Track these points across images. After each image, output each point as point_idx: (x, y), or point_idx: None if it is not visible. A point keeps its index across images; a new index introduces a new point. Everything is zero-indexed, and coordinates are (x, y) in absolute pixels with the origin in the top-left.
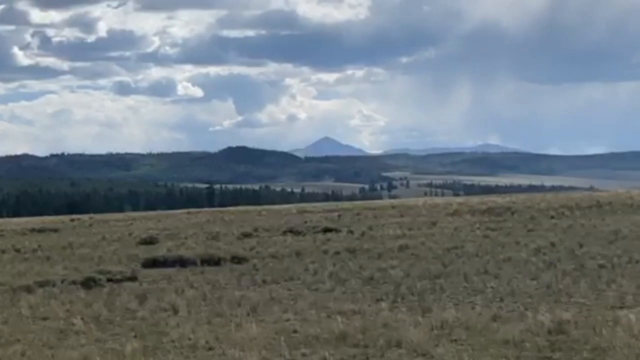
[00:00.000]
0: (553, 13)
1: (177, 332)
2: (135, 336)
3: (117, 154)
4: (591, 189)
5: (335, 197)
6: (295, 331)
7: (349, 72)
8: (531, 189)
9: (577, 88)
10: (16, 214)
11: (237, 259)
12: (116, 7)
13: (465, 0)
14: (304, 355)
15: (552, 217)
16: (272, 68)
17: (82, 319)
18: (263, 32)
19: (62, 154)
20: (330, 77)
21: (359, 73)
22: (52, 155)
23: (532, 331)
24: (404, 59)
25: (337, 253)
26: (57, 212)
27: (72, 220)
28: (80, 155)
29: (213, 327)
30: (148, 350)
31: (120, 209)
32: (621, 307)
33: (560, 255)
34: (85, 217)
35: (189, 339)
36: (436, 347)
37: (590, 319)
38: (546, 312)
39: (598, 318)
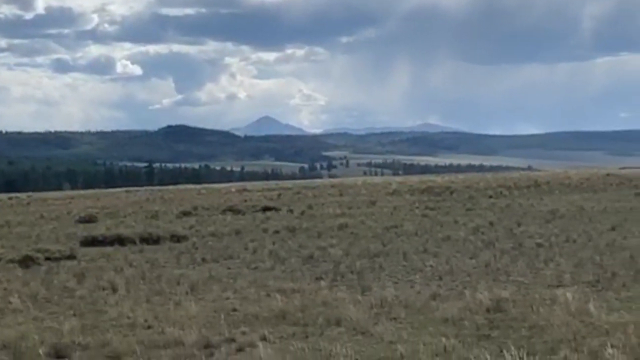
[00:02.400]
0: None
1: (116, 310)
2: (73, 314)
3: (56, 132)
4: (529, 168)
5: (275, 176)
6: (234, 309)
7: (289, 51)
8: (470, 168)
9: (516, 69)
10: None
11: (177, 238)
12: None
13: None
14: (243, 333)
15: (491, 197)
16: (212, 47)
17: (19, 297)
18: (203, 10)
19: (0, 132)
20: (270, 56)
21: (299, 52)
22: None
23: (470, 309)
24: (345, 39)
25: (277, 232)
26: None
27: (10, 198)
28: (18, 133)
29: (152, 305)
30: (86, 329)
31: (59, 188)
32: (558, 286)
33: (499, 235)
34: (23, 195)
35: (128, 317)
36: (375, 326)
37: (528, 298)
38: (485, 291)
39: (536, 296)
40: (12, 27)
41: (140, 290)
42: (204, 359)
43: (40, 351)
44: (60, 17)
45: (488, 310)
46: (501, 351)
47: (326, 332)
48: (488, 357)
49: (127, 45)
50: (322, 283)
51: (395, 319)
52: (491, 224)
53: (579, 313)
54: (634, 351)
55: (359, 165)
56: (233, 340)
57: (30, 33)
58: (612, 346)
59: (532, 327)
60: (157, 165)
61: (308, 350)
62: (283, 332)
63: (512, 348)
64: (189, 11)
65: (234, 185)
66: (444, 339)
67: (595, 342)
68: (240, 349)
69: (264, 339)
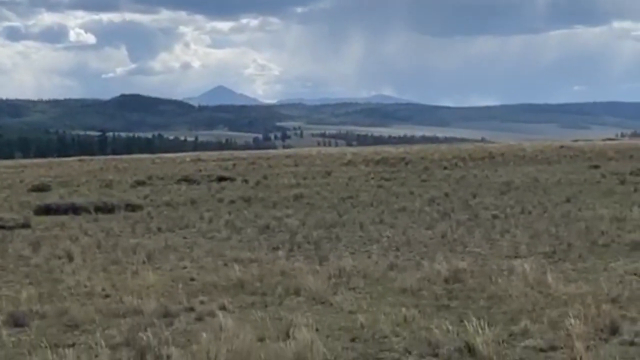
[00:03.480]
0: None
1: (73, 279)
2: (30, 283)
3: (7, 100)
4: (482, 140)
5: (229, 146)
6: (192, 279)
7: (244, 20)
8: (424, 140)
9: (469, 41)
10: None
11: (131, 207)
12: None
13: None
14: (202, 302)
15: (445, 168)
16: (165, 15)
17: None
18: None
19: None
20: (224, 25)
21: (254, 22)
22: None
23: (429, 280)
24: (299, 9)
25: (232, 202)
26: None
27: None
28: None
29: (109, 274)
30: (44, 297)
31: (11, 156)
32: (515, 257)
33: (454, 206)
34: None
35: (85, 286)
36: (334, 295)
37: (485, 268)
38: (442, 262)
39: (493, 267)
40: None
41: (97, 259)
42: (163, 327)
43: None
44: None
45: (446, 281)
46: (461, 321)
47: (285, 302)
48: (450, 327)
49: (80, 13)
50: (279, 253)
51: (354, 289)
52: (446, 195)
53: (537, 284)
54: (594, 321)
55: (313, 135)
56: (192, 309)
57: None
58: (572, 316)
59: (491, 298)
60: (110, 134)
61: (268, 319)
62: (242, 302)
63: (473, 318)
64: None
65: (188, 155)
66: (403, 309)
67: (555, 313)
68: (199, 318)
69: (223, 308)
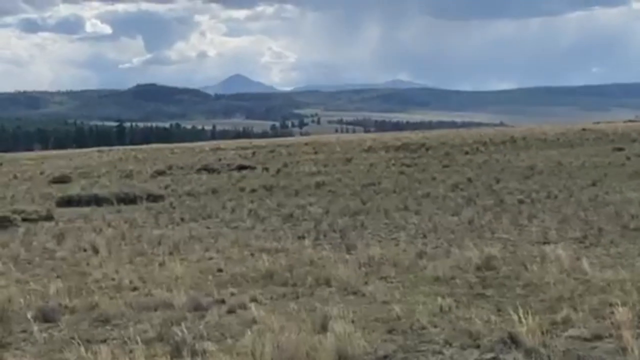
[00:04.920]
0: None
1: (100, 272)
2: (57, 277)
3: (25, 92)
4: (501, 124)
5: (246, 134)
6: (220, 270)
7: (259, 8)
8: (441, 125)
9: (486, 24)
10: None
11: (153, 197)
12: None
13: None
14: (232, 294)
15: (467, 153)
16: (181, 4)
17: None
18: None
19: None
20: (240, 13)
21: (269, 9)
22: None
23: (461, 267)
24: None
25: (254, 190)
26: None
27: None
28: None
29: (135, 266)
30: (72, 291)
31: (30, 148)
32: (545, 243)
33: (478, 191)
34: None
35: (113, 279)
36: (366, 285)
37: (517, 255)
38: (472, 248)
39: (524, 254)
40: None
41: (122, 251)
42: (196, 321)
43: (28, 315)
44: None
45: (478, 269)
46: (499, 310)
47: (317, 292)
48: (492, 317)
49: (96, 4)
50: (305, 242)
51: (385, 278)
52: (469, 180)
53: (573, 270)
54: (635, 308)
55: (330, 122)
56: (223, 301)
57: None
58: (615, 304)
59: (527, 286)
60: (127, 124)
61: (303, 311)
62: (273, 293)
63: (510, 308)
64: None
65: (207, 144)
66: (439, 299)
67: (595, 300)
68: (231, 311)
69: (254, 300)
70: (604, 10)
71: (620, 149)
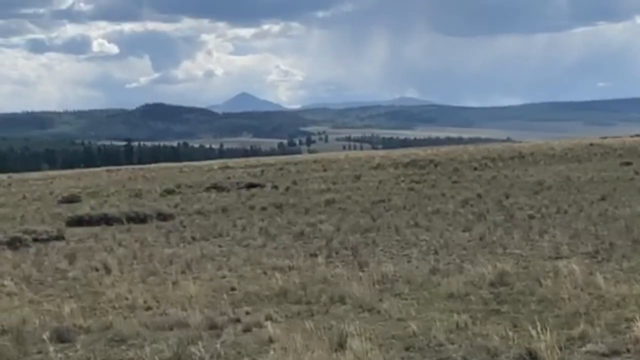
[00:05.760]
0: None
1: (113, 291)
2: (70, 297)
3: (33, 113)
4: (508, 140)
5: (254, 152)
6: (233, 288)
7: (266, 26)
8: (449, 141)
9: (491, 40)
10: None
11: (163, 216)
12: None
13: None
14: (247, 313)
15: (475, 169)
16: (187, 24)
17: (12, 280)
18: None
19: None
20: (246, 32)
21: (276, 28)
22: None
23: (474, 284)
24: (320, 13)
25: (264, 208)
26: None
27: None
28: None
29: (148, 285)
30: (86, 311)
31: (38, 168)
32: (557, 258)
33: (488, 207)
34: (3, 176)
35: (126, 298)
36: (380, 302)
37: (530, 270)
38: (485, 264)
39: (537, 269)
40: None
41: (134, 271)
42: (212, 340)
43: (44, 336)
44: None
45: (492, 285)
46: (515, 326)
47: (332, 310)
48: (509, 333)
49: (103, 24)
50: (318, 259)
51: (399, 295)
52: (479, 196)
53: (586, 285)
54: None
55: (337, 140)
56: (238, 320)
57: (4, 13)
58: (627, 319)
59: (542, 301)
60: (135, 144)
61: (321, 329)
62: (287, 311)
63: (527, 323)
64: None
65: (215, 163)
66: (455, 315)
67: (610, 316)
68: (247, 330)
69: (269, 318)
70: (609, 25)
71: (628, 164)
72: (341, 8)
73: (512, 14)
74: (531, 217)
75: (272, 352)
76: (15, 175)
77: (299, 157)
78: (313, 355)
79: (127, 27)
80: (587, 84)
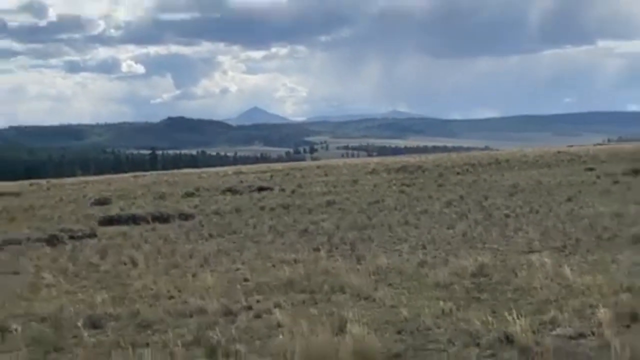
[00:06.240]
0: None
1: (140, 283)
2: (102, 287)
3: (69, 125)
4: (486, 148)
5: (264, 160)
6: (246, 279)
7: (274, 49)
8: (435, 149)
9: (473, 61)
10: None
11: (184, 216)
12: None
13: None
14: (258, 301)
15: (458, 174)
16: (205, 47)
17: (51, 272)
18: (197, 14)
19: (20, 126)
20: (257, 54)
21: (283, 50)
22: (11, 127)
23: (458, 274)
24: (323, 38)
25: (273, 209)
26: (16, 178)
27: (31, 184)
28: (36, 127)
29: (171, 277)
30: (116, 300)
31: (73, 174)
32: (530, 252)
33: (470, 207)
34: (42, 181)
35: (151, 289)
36: (376, 291)
37: (506, 263)
38: (467, 257)
39: (512, 262)
40: (28, 33)
41: (158, 264)
42: (227, 325)
43: (78, 323)
44: (70, 24)
45: (473, 275)
46: (494, 312)
47: (332, 298)
48: (489, 318)
49: (131, 47)
50: (320, 253)
51: (391, 284)
52: (461, 197)
53: (556, 276)
54: (615, 310)
55: (337, 148)
56: (250, 307)
57: (44, 38)
58: (595, 306)
59: (517, 290)
60: (159, 152)
61: (324, 315)
62: (293, 299)
63: (504, 310)
64: (185, 16)
65: (230, 169)
66: (440, 302)
67: (576, 303)
68: (258, 316)
69: (277, 306)
70: (575, 48)
71: (591, 169)
72: (341, 33)
73: (490, 38)
74: (507, 216)
75: (280, 336)
76: (53, 181)
77: (303, 163)
78: (317, 339)
79: (152, 49)
80: (555, 100)
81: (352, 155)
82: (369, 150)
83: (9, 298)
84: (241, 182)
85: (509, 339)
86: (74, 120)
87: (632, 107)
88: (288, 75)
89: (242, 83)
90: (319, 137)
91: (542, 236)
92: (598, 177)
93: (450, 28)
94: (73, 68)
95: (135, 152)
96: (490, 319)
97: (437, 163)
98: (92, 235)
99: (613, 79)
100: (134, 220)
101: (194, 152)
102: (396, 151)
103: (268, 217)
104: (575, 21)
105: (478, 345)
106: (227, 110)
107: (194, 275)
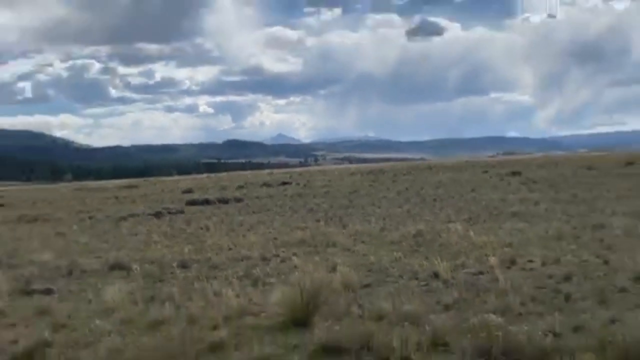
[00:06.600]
0: (400, 66)
1: (211, 240)
2: (188, 243)
3: (168, 144)
4: (422, 159)
5: (286, 166)
6: (275, 238)
7: (292, 98)
8: (390, 160)
9: (416, 106)
10: (113, 178)
11: (238, 200)
12: (165, 65)
13: (355, 58)
14: (283, 252)
15: (404, 174)
16: (250, 97)
17: (157, 235)
18: (245, 77)
19: (138, 145)
20: (281, 101)
21: (297, 99)
22: (132, 145)
23: (404, 236)
24: (322, 91)
25: (292, 196)
26: (135, 177)
27: (145, 181)
28: (148, 145)
29: (230, 237)
30: (196, 251)
31: (170, 175)
32: (449, 222)
33: (410, 195)
34: (151, 179)
35: (218, 244)
36: (354, 246)
37: (434, 229)
38: (410, 226)
39: (438, 228)
40: (143, 88)
41: (222, 229)
42: (264, 267)
43: (174, 264)
44: (168, 82)
45: (414, 236)
46: (427, 258)
47: (328, 250)
48: (424, 262)
49: (205, 97)
50: (320, 223)
51: (364, 242)
52: (406, 189)
53: (465, 237)
54: (501, 257)
55: (331, 159)
56: (278, 256)
57: (152, 91)
58: (486, 255)
59: (441, 245)
60: (222, 161)
61: (323, 261)
62: (304, 251)
63: (433, 257)
64: (237, 78)
65: (265, 171)
66: (394, 253)
67: (477, 253)
68: (282, 261)
69: (295, 255)
70: (476, 97)
71: (486, 172)
72: (333, 89)
73: (424, 91)
74: (434, 200)
75: (296, 273)
76: (158, 178)
77: (310, 168)
78: (318, 274)
79: (218, 98)
80: (465, 129)
81: (340, 164)
82: (350, 160)
83: (132, 249)
84: (272, 179)
85: (436, 275)
86: (171, 142)
87: (511, 134)
88: (300, 114)
89: (272, 119)
90: (320, 152)
91: (456, 212)
92: (490, 176)
93: (399, 85)
94: (170, 109)
95: (207, 160)
96: (424, 262)
97: (392, 168)
98: (182, 211)
99: (500, 116)
100: (207, 202)
101: (243, 161)
102: (368, 161)
103: (288, 201)
104: (477, 80)
105: (417, 278)
106: (263, 135)
107: (243, 236)
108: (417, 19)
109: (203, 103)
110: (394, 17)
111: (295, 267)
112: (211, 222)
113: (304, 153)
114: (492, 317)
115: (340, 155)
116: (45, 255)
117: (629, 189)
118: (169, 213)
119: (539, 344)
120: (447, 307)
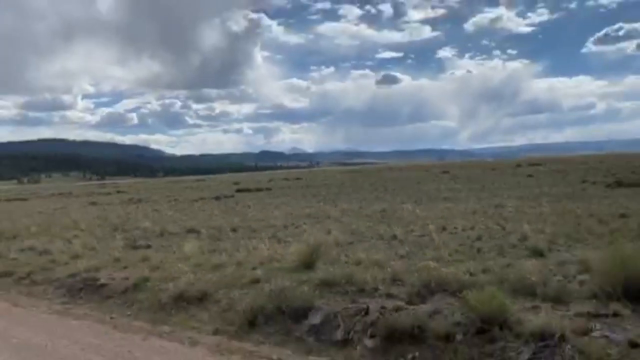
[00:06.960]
0: (372, 103)
1: (250, 214)
2: (236, 217)
3: (224, 154)
4: (386, 164)
5: (298, 167)
6: (291, 213)
7: (302, 124)
8: (366, 164)
9: (380, 128)
10: (189, 175)
11: (268, 189)
12: (222, 102)
13: (342, 98)
14: (297, 221)
15: (374, 173)
16: (275, 123)
17: (217, 212)
18: (273, 110)
19: (205, 154)
20: (295, 127)
21: (306, 125)
22: (201, 154)
23: (375, 212)
24: (323, 119)
25: (302, 187)
26: (204, 174)
27: (209, 177)
28: (211, 154)
29: (263, 213)
30: (242, 221)
31: (225, 173)
32: (403, 204)
33: (378, 186)
34: (213, 176)
35: (256, 217)
36: (342, 218)
37: (394, 208)
38: (377, 205)
39: (396, 207)
40: (207, 118)
41: (258, 208)
42: (285, 231)
43: (228, 229)
44: (224, 114)
45: (380, 212)
46: (389, 226)
47: (324, 221)
48: (387, 229)
49: (247, 123)
50: (321, 204)
51: (349, 215)
52: (375, 182)
53: (413, 213)
54: (436, 225)
55: (327, 163)
56: (293, 224)
57: (213, 119)
58: (427, 224)
59: (397, 218)
60: (257, 164)
61: (322, 227)
62: (311, 221)
63: (394, 225)
64: (267, 111)
65: (285, 171)
66: (366, 223)
67: (421, 222)
68: (296, 227)
69: (304, 223)
70: (422, 124)
71: (426, 171)
72: (328, 118)
73: (388, 119)
74: (393, 189)
75: (305, 235)
76: (217, 176)
77: (313, 169)
78: (319, 236)
79: (255, 124)
80: (416, 143)
81: (332, 166)
82: (337, 164)
83: (201, 220)
84: (289, 176)
85: (395, 237)
86: (225, 152)
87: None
88: (308, 134)
89: (290, 137)
90: (319, 159)
91: (408, 197)
92: (429, 174)
93: (370, 115)
94: (225, 131)
95: (252, 164)
96: (387, 229)
97: (365, 169)
98: (232, 196)
99: (436, 135)
100: (248, 190)
101: (271, 164)
102: (348, 165)
103: (300, 190)
104: (421, 112)
105: (382, 239)
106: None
107: (271, 212)
108: (382, 73)
109: (246, 127)
110: (369, 72)
111: (305, 231)
112: (251, 203)
113: (310, 159)
114: (431, 263)
115: (333, 161)
116: (146, 223)
117: (517, 182)
118: (225, 197)
119: (460, 279)
120: (401, 257)
